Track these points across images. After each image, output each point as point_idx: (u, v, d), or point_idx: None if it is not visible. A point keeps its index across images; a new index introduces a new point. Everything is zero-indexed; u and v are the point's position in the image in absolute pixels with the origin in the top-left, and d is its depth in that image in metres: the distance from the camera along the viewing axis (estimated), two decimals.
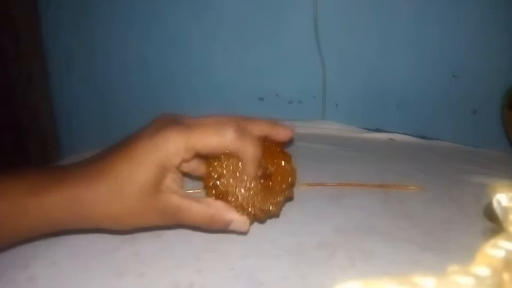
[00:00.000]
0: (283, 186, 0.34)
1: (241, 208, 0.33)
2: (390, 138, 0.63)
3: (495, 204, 0.16)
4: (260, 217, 0.34)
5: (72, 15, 0.84)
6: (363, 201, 0.42)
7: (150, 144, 0.30)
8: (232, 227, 0.32)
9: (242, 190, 0.33)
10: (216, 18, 0.75)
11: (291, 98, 0.74)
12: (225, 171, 0.33)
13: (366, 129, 0.67)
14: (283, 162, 0.34)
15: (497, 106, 0.61)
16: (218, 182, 0.33)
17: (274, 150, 0.35)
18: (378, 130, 0.66)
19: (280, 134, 0.35)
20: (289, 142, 0.37)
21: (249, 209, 0.33)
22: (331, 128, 0.66)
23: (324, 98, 0.72)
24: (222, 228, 0.32)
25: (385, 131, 0.65)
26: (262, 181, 0.33)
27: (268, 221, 0.38)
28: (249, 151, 0.32)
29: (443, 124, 0.68)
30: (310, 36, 0.69)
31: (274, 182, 0.34)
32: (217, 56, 0.76)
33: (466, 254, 0.14)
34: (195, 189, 0.42)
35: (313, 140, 0.60)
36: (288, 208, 0.41)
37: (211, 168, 0.33)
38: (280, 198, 0.34)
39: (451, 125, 0.68)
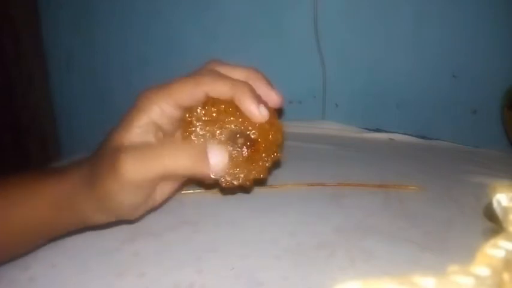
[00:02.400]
0: (269, 150, 0.31)
1: (224, 181, 0.30)
2: (390, 138, 0.63)
3: (495, 204, 0.16)
4: (246, 186, 0.31)
5: (72, 15, 0.84)
6: (363, 201, 0.42)
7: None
8: (212, 160, 0.29)
9: None
10: (216, 18, 0.75)
11: (291, 98, 0.74)
12: (202, 141, 0.30)
13: (366, 129, 0.67)
14: (267, 125, 0.30)
15: (497, 106, 0.61)
16: None
17: None
18: (378, 130, 0.66)
19: (270, 97, 0.31)
20: (279, 110, 0.32)
21: (234, 182, 0.30)
22: (331, 128, 0.66)
23: (324, 98, 0.72)
24: (206, 171, 0.29)
25: (385, 131, 0.65)
26: (244, 149, 0.30)
27: (268, 221, 0.38)
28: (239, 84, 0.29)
29: (443, 124, 0.68)
30: (310, 36, 0.69)
31: (259, 148, 0.30)
32: (217, 56, 0.76)
33: (466, 254, 0.14)
34: (194, 189, 0.42)
35: (313, 140, 0.60)
36: (288, 208, 0.41)
37: (186, 134, 0.30)
38: (267, 164, 0.31)
39: (451, 125, 0.68)
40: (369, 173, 0.49)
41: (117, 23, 0.82)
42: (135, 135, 0.29)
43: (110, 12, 0.81)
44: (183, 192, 0.41)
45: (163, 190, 0.32)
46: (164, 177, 0.29)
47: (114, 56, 0.84)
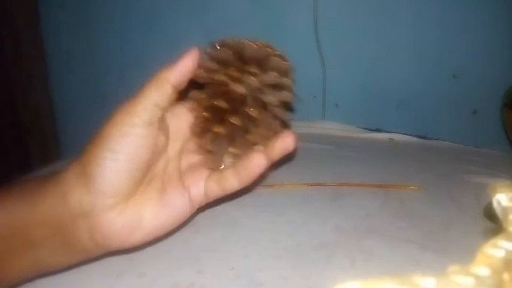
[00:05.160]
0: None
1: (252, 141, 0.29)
2: (390, 138, 0.63)
3: (495, 204, 0.16)
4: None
5: (72, 15, 0.84)
6: (363, 201, 0.42)
7: None
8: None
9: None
10: (216, 18, 0.75)
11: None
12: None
13: (366, 129, 0.67)
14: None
15: (497, 106, 0.61)
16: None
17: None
18: (378, 130, 0.66)
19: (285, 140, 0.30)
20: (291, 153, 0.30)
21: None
22: (331, 128, 0.66)
23: (324, 98, 0.72)
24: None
25: (385, 131, 0.65)
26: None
27: (268, 221, 0.38)
28: None
29: (443, 124, 0.68)
30: (310, 36, 0.69)
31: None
32: None
33: (466, 254, 0.14)
34: None
35: (313, 140, 0.60)
36: (287, 208, 0.41)
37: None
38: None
39: (451, 125, 0.68)
40: (369, 173, 0.49)
41: (117, 23, 0.82)
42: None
43: (110, 12, 0.81)
44: None
45: (157, 219, 0.29)
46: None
47: (114, 56, 0.84)
